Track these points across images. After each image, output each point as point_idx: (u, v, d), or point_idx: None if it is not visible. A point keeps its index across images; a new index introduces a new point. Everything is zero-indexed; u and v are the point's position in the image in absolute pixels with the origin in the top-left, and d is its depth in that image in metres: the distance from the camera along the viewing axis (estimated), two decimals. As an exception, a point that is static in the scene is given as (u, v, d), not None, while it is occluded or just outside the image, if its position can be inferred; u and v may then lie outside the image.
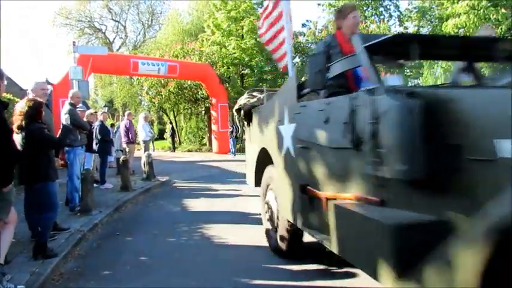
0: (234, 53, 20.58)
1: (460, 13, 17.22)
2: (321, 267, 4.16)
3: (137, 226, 6.16)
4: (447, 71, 18.02)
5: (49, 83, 14.40)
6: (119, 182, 9.00)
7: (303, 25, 23.60)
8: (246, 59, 20.84)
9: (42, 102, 4.55)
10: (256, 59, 21.16)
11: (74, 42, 10.69)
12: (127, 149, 10.83)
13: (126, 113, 11.60)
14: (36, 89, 5.18)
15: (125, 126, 10.77)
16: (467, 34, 17.24)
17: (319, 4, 23.66)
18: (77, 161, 6.69)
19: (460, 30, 17.70)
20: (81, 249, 4.95)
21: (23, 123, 4.23)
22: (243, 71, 22.05)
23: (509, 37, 16.88)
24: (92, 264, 4.47)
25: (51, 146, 4.55)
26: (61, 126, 6.20)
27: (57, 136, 4.79)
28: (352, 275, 3.90)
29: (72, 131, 4.96)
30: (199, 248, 4.98)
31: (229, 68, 21.25)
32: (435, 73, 19.19)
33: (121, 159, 9.22)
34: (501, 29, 16.69)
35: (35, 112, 4.33)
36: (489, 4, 17.05)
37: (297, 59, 22.94)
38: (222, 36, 21.22)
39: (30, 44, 55.84)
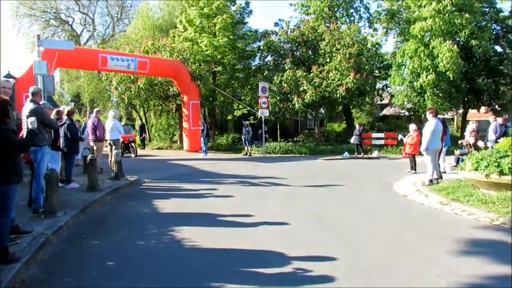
0: (207, 50, 20.38)
1: (427, 17, 17.78)
2: (290, 270, 4.19)
3: (104, 228, 5.99)
4: (413, 73, 18.63)
5: (11, 76, 13.77)
6: (86, 182, 8.71)
7: (276, 24, 23.64)
8: (218, 56, 20.69)
9: (7, 100, 4.32)
10: (229, 56, 21.06)
11: (38, 35, 10.23)
12: (95, 148, 10.51)
13: (94, 110, 11.20)
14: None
15: (93, 124, 10.42)
16: (433, 37, 17.88)
17: (291, 4, 23.75)
18: (45, 161, 6.44)
19: (426, 34, 18.30)
20: (44, 254, 4.75)
21: None
22: (215, 69, 21.89)
23: (472, 41, 17.60)
24: (55, 270, 4.30)
25: (15, 150, 4.32)
26: (24, 127, 5.92)
27: (21, 139, 4.56)
28: (323, 280, 3.95)
29: (38, 134, 4.73)
30: (168, 251, 4.90)
31: (201, 65, 21.02)
32: (402, 74, 19.75)
33: (88, 158, 8.94)
34: (465, 33, 17.37)
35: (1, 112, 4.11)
36: (454, 9, 17.68)
37: (269, 58, 22.99)
38: (194, 33, 20.96)
39: (-10, 34, 53.14)
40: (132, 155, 17.98)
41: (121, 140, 12.89)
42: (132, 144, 18.68)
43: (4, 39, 56.97)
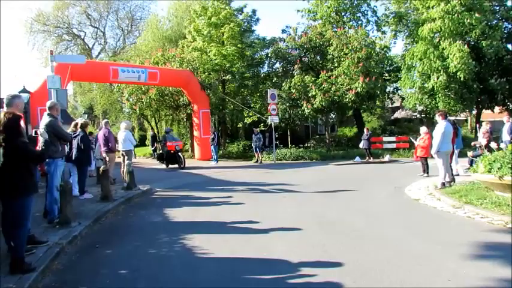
0: (215, 59, 20.57)
1: (435, 18, 17.65)
2: (300, 277, 4.19)
3: (117, 238, 6.09)
4: (424, 75, 18.48)
5: (26, 91, 14.16)
6: (99, 192, 8.87)
7: (283, 31, 23.75)
8: (227, 65, 20.85)
9: (20, 115, 4.46)
10: (237, 64, 21.21)
11: (51, 51, 10.47)
12: (107, 159, 10.68)
13: (103, 122, 11.43)
14: (14, 103, 5.06)
15: (104, 135, 10.60)
16: (443, 38, 17.73)
17: (298, 10, 23.83)
18: (58, 173, 6.58)
19: (436, 35, 18.17)
20: (59, 263, 4.86)
21: (1, 137, 4.13)
22: (224, 77, 22.07)
23: (483, 41, 17.40)
24: (70, 279, 4.40)
25: (34, 160, 4.47)
26: (40, 139, 6.09)
27: (39, 150, 4.72)
28: (333, 286, 3.95)
29: (50, 144, 4.88)
30: (180, 260, 4.95)
31: (210, 74, 21.22)
32: (412, 77, 19.58)
33: (101, 169, 9.10)
34: (475, 32, 17.18)
35: (13, 125, 4.25)
36: (463, 9, 17.51)
37: (278, 65, 23.08)
38: (203, 42, 21.20)
39: (4, 49, 54.61)
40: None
41: (133, 150, 13.04)
42: (180, 154, 16.33)
43: (19, 55, 58.45)
